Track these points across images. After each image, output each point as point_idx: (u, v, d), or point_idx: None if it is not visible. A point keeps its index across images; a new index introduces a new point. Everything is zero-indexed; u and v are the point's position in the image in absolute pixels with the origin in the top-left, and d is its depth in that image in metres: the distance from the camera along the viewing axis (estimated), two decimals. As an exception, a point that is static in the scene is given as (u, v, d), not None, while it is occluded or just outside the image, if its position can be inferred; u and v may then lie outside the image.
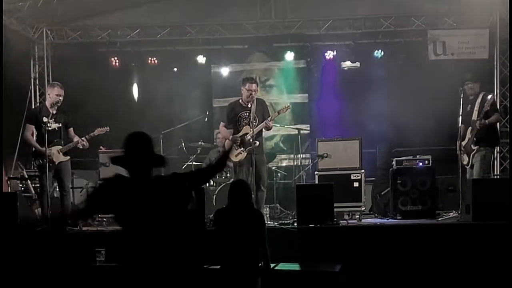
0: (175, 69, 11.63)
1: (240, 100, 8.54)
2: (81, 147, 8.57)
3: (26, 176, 9.38)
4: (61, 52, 11.42)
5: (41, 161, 8.34)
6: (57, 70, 11.44)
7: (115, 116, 10.79)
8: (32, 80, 11.43)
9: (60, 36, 11.48)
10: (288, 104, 9.02)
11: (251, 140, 8.20)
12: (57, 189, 8.90)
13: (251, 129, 8.18)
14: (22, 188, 9.55)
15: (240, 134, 8.42)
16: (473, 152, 8.38)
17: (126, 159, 3.82)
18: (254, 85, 8.42)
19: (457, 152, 8.52)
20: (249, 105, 8.32)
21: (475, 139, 8.35)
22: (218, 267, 5.67)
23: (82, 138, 8.53)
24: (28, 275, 7.28)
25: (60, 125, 8.46)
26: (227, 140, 8.58)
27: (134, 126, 10.51)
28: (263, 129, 8.48)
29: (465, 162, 8.48)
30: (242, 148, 8.35)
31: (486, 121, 8.29)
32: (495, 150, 9.81)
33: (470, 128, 8.45)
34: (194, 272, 5.82)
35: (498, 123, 9.27)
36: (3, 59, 8.32)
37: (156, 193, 3.74)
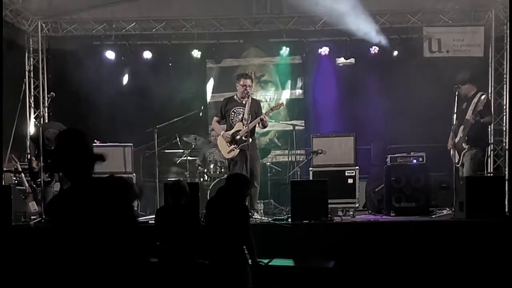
0: (170, 63, 11.59)
1: (235, 96, 8.54)
2: None
3: (20, 169, 9.35)
4: (56, 45, 11.38)
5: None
6: (51, 63, 11.43)
7: (109, 110, 10.77)
8: (26, 73, 11.36)
9: (55, 29, 11.42)
10: (282, 102, 9.01)
11: (244, 138, 8.19)
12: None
13: (244, 126, 8.17)
14: (16, 181, 9.50)
15: (233, 130, 8.41)
16: (464, 151, 8.38)
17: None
18: (248, 81, 8.41)
19: (450, 149, 8.57)
20: (244, 102, 8.30)
21: (466, 137, 8.35)
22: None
23: None
24: (22, 269, 7.26)
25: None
26: (219, 137, 8.58)
27: (129, 120, 10.60)
28: (259, 127, 8.48)
29: (456, 161, 8.48)
30: (234, 145, 8.35)
31: (481, 119, 8.30)
32: (487, 149, 9.80)
33: (462, 126, 8.45)
34: (188, 267, 5.83)
35: (490, 125, 9.33)
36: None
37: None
